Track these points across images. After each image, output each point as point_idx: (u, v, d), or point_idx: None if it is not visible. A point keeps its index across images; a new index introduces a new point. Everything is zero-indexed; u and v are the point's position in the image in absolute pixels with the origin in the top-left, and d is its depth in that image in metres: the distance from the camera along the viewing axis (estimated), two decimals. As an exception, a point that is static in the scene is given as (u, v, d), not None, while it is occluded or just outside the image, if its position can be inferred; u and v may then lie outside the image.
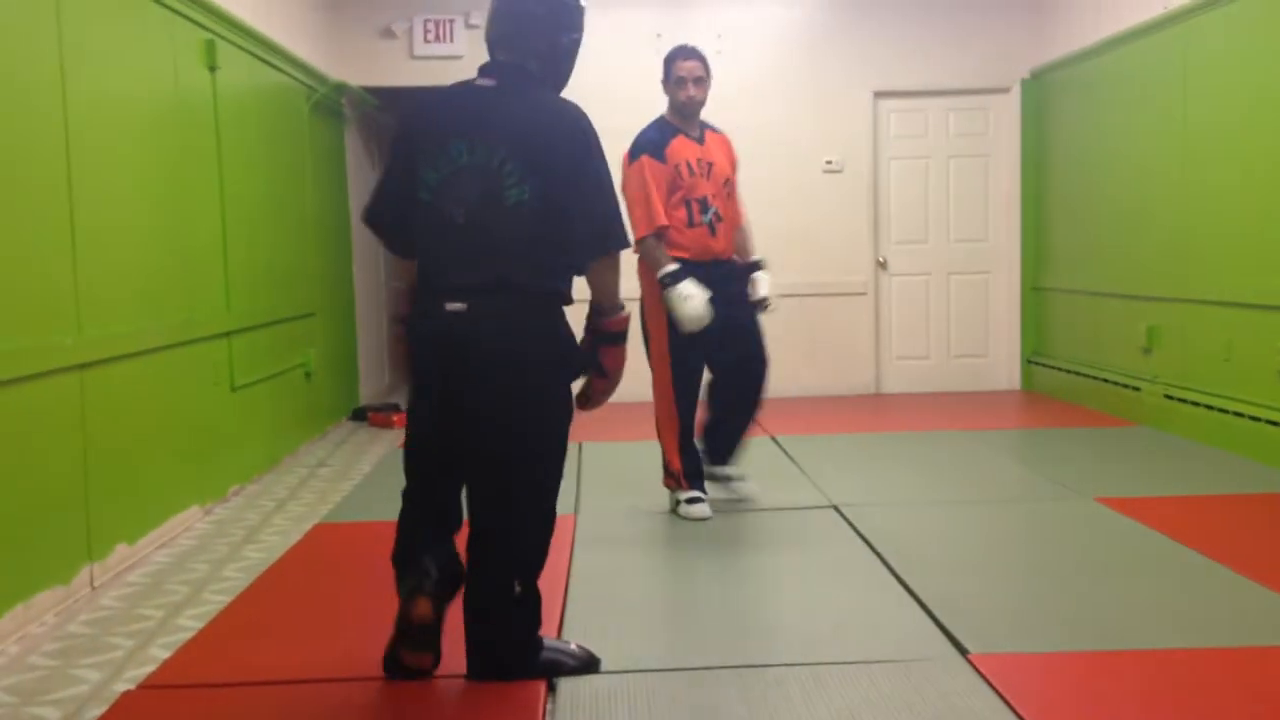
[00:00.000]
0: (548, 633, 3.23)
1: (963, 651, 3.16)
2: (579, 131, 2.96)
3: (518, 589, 2.97)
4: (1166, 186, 6.53)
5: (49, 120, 3.89)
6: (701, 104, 4.70)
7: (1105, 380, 7.29)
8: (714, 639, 3.38)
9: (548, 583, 3.76)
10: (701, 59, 4.68)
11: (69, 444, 3.93)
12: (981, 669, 3.02)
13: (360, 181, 8.55)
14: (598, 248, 2.95)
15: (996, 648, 3.18)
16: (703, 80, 4.66)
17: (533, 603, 3.03)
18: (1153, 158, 6.70)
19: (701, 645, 3.32)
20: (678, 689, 3.00)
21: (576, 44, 3.13)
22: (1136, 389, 6.86)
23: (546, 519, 3.03)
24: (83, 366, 4.00)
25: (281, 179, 6.57)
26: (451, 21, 8.21)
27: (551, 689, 3.01)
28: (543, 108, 2.98)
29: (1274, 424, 5.47)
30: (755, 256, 4.89)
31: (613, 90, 8.25)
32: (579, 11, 3.11)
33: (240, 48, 5.85)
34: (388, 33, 8.22)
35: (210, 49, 5.39)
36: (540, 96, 3.01)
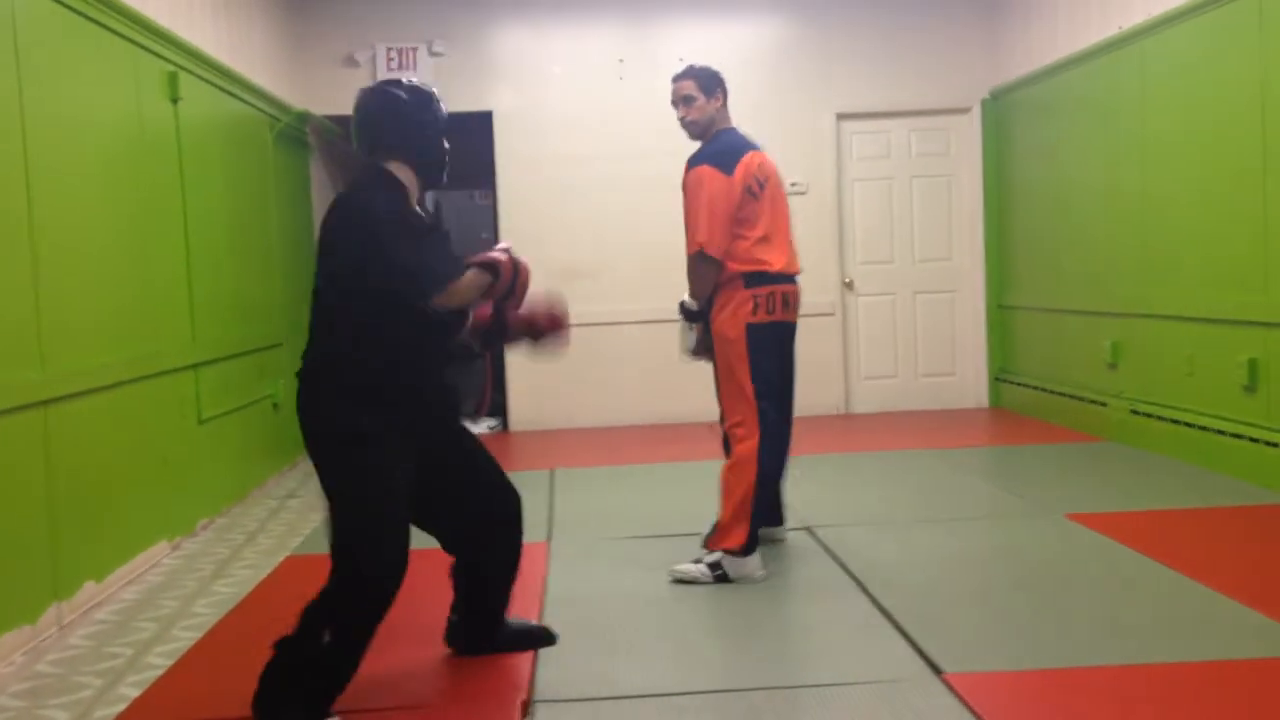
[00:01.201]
0: (523, 661, 3.21)
1: (937, 671, 3.16)
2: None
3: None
4: (1127, 203, 6.61)
5: (8, 152, 3.85)
6: (695, 124, 4.34)
7: (1072, 396, 7.35)
8: (688, 664, 3.37)
9: (523, 607, 3.76)
10: (693, 77, 4.37)
11: (33, 481, 3.88)
12: (957, 688, 3.02)
13: (324, 209, 8.52)
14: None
15: (971, 666, 3.19)
16: (691, 99, 4.34)
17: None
18: (1112, 174, 6.78)
19: (677, 670, 3.31)
20: (655, 716, 2.98)
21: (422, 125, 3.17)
22: (1103, 404, 6.92)
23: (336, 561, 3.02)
24: (46, 402, 3.95)
25: (246, 209, 6.54)
26: (414, 50, 8.22)
27: (527, 713, 2.99)
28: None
29: (1238, 437, 5.53)
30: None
31: (575, 115, 8.31)
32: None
33: (203, 79, 5.83)
34: (350, 61, 8.21)
35: (173, 81, 5.37)
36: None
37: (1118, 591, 3.89)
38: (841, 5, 8.43)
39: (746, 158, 4.22)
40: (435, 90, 3.21)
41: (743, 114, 8.27)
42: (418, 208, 3.17)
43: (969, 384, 8.73)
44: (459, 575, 3.39)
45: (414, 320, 3.01)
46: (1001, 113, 8.41)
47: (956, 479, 5.98)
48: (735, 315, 4.18)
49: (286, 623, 3.73)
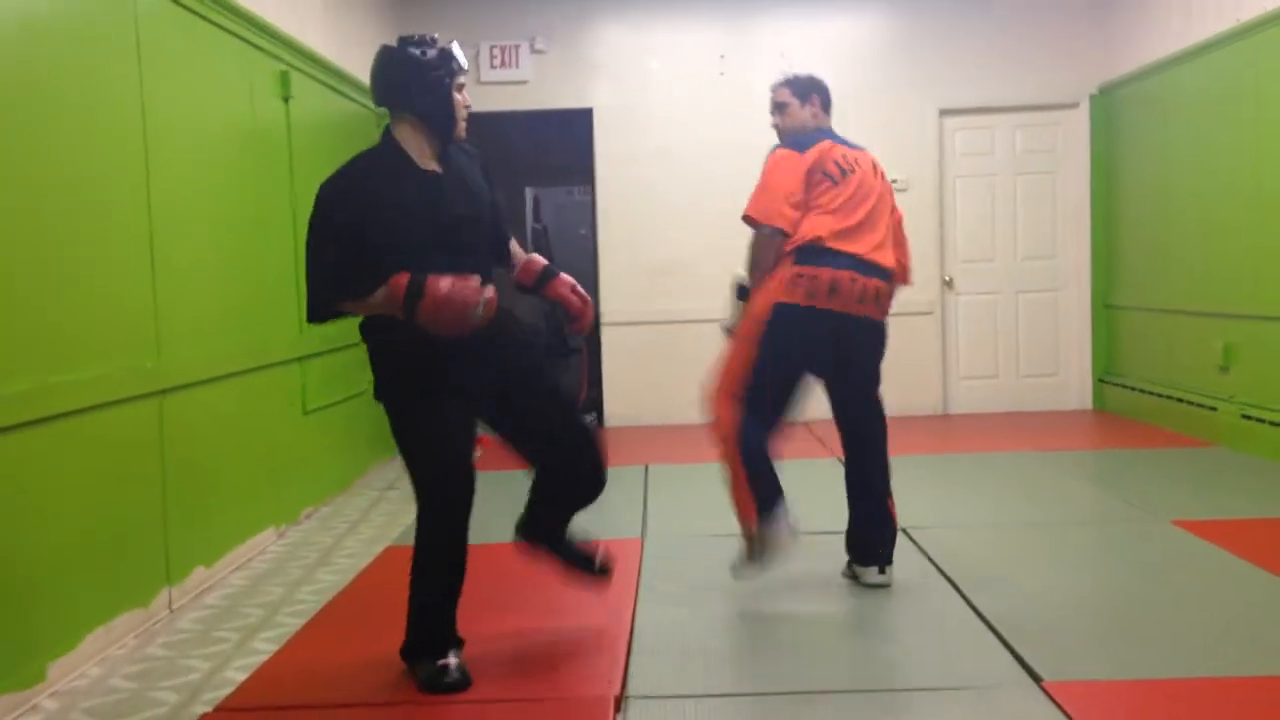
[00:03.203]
0: (616, 655, 3.24)
1: (1036, 678, 3.11)
2: None
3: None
4: (1241, 200, 6.42)
5: (129, 147, 4.00)
6: (788, 131, 4.18)
7: (1180, 400, 7.16)
8: (780, 664, 3.36)
9: (617, 602, 3.79)
10: (788, 85, 4.24)
11: (149, 468, 4.03)
12: (1056, 696, 2.97)
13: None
14: None
15: (1071, 674, 3.13)
16: (784, 105, 4.21)
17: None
18: (1226, 172, 6.59)
19: (771, 670, 3.31)
20: (748, 715, 2.99)
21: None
22: (1213, 408, 6.73)
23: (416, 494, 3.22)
24: (162, 392, 4.09)
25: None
26: (517, 47, 8.31)
27: (620, 710, 3.02)
28: None
29: (1357, 444, 5.34)
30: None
31: (674, 112, 8.33)
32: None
33: (313, 78, 5.97)
34: (454, 59, 8.32)
35: (284, 80, 5.51)
36: None
37: (1225, 601, 3.78)
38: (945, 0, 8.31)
39: (826, 143, 3.99)
40: (449, 44, 3.19)
41: (843, 110, 8.20)
42: (434, 163, 3.17)
43: (1072, 385, 8.55)
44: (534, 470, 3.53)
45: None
46: (1111, 108, 8.22)
47: (1059, 482, 5.86)
48: (769, 289, 3.86)
49: (387, 611, 3.82)
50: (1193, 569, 4.18)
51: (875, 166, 4.09)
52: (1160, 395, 7.45)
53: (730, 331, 4.05)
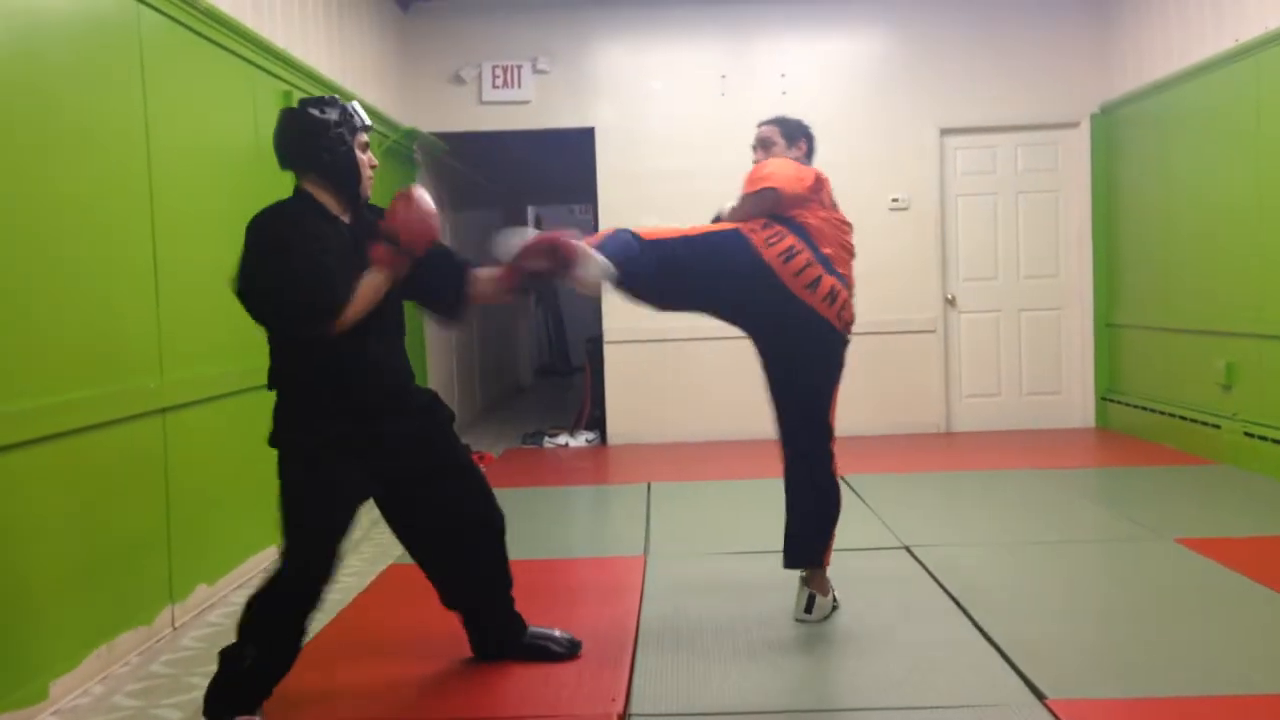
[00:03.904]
0: (619, 672, 3.24)
1: (1040, 696, 3.11)
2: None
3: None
4: (1242, 219, 6.43)
5: (134, 170, 4.02)
6: None
7: (1183, 418, 7.16)
8: (784, 681, 3.36)
9: (620, 620, 3.79)
10: (777, 124, 4.22)
11: (152, 487, 4.03)
12: (1060, 715, 2.96)
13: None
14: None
15: (1075, 693, 3.13)
16: (771, 144, 4.15)
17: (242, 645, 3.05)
18: (1227, 191, 6.61)
19: (772, 687, 3.31)
20: (750, 732, 2.98)
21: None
22: (1216, 426, 6.73)
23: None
24: (164, 410, 4.10)
25: (354, 224, 6.70)
26: (519, 67, 8.35)
27: (624, 731, 3.01)
28: None
29: (1360, 462, 5.33)
30: None
31: (676, 131, 8.36)
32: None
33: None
34: (457, 79, 8.38)
35: (288, 99, 5.53)
36: None
37: (1228, 619, 3.77)
38: (946, 19, 8.36)
39: (825, 179, 3.96)
40: (350, 103, 3.17)
41: (845, 130, 8.37)
42: (342, 221, 3.14)
43: (1075, 403, 8.55)
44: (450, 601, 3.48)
45: (332, 339, 3.00)
46: (1112, 127, 8.25)
47: (1062, 500, 5.86)
48: (745, 223, 3.79)
49: (390, 629, 3.82)
50: (1196, 587, 4.17)
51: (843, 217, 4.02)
52: (1163, 413, 7.45)
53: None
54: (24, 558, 3.30)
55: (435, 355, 8.67)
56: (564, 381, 14.48)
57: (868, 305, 8.30)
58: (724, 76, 8.42)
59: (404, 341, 3.33)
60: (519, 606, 3.55)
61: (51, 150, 3.53)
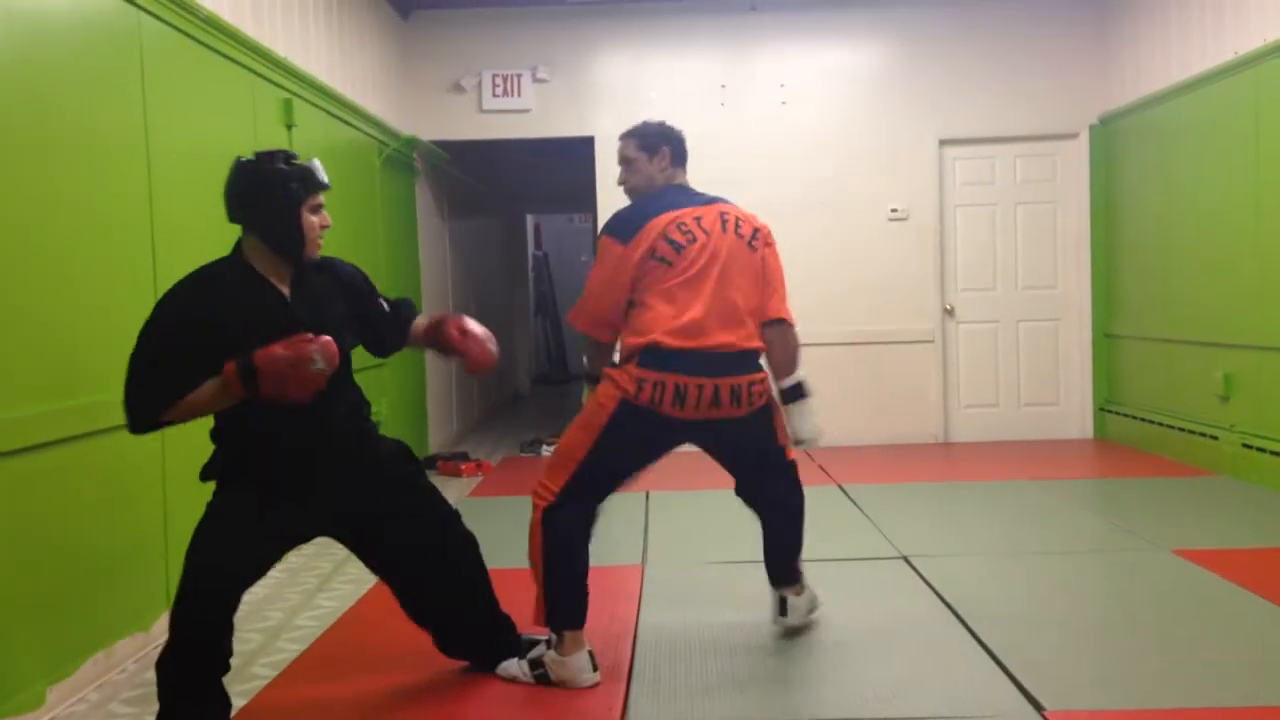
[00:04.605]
0: (617, 683, 3.23)
1: (1038, 708, 3.10)
2: None
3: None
4: (1241, 231, 6.44)
5: (134, 176, 4.03)
6: (633, 189, 3.82)
7: (1181, 429, 7.16)
8: (784, 692, 3.35)
9: (617, 631, 3.79)
10: (635, 136, 3.87)
11: (150, 493, 4.03)
12: (1058, 726, 2.96)
13: (430, 233, 8.70)
14: None
15: (1073, 704, 3.13)
16: (630, 160, 3.82)
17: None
18: (1226, 201, 6.62)
19: (771, 698, 3.30)
20: (748, 743, 2.97)
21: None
22: (1214, 438, 6.73)
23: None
24: (163, 417, 4.09)
25: (354, 232, 6.70)
26: (519, 76, 8.36)
27: (621, 741, 3.01)
28: None
29: (1358, 474, 5.33)
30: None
31: (678, 141, 8.36)
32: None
33: (316, 105, 6.01)
34: (457, 88, 8.39)
35: (288, 107, 5.54)
36: None
37: (1226, 631, 3.77)
38: (945, 30, 8.38)
39: (658, 219, 3.53)
40: (309, 162, 3.04)
41: (844, 140, 8.39)
42: (284, 284, 3.04)
43: (1073, 414, 8.55)
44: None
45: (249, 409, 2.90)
46: (1110, 139, 8.26)
47: (1060, 511, 5.86)
48: (618, 382, 3.47)
49: (385, 639, 3.81)
50: (1194, 598, 4.17)
51: (725, 219, 3.63)
52: (1161, 424, 7.46)
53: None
54: (23, 564, 3.29)
55: (434, 363, 8.67)
56: (562, 390, 14.48)
57: (867, 315, 8.41)
58: (724, 86, 8.44)
59: (351, 386, 3.19)
60: (517, 616, 3.54)
61: (52, 156, 3.54)
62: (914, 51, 8.42)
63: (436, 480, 7.47)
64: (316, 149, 6.03)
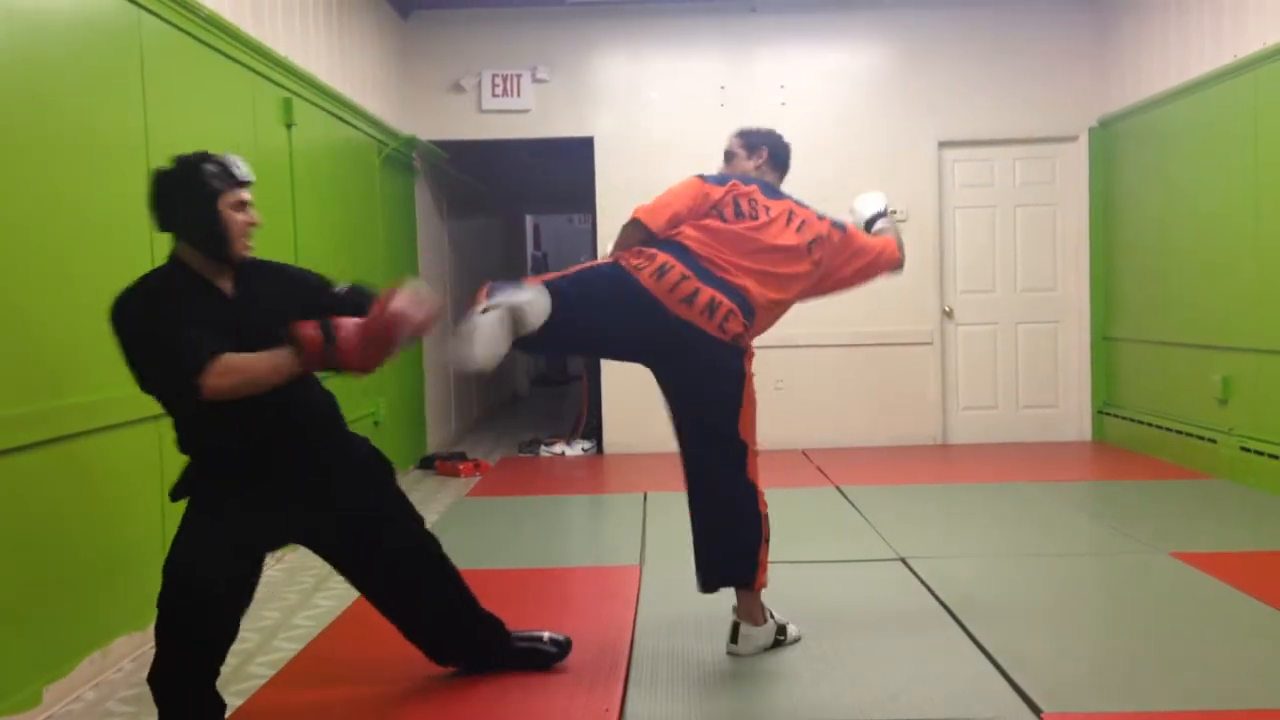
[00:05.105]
0: (614, 684, 3.23)
1: (1036, 710, 3.10)
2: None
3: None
4: (1240, 234, 6.45)
5: (134, 175, 4.01)
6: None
7: (1179, 432, 7.17)
8: (781, 694, 3.35)
9: (616, 632, 3.79)
10: (740, 135, 4.12)
11: (147, 492, 4.02)
12: (1055, 728, 2.96)
13: (429, 233, 8.70)
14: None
15: (1071, 707, 3.13)
16: (730, 155, 4.09)
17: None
18: (1225, 205, 6.62)
19: (769, 700, 3.30)
20: (745, 744, 2.97)
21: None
22: (1212, 441, 6.74)
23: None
24: (159, 416, 4.08)
25: (353, 231, 6.70)
26: (519, 76, 8.36)
27: (618, 742, 3.01)
28: None
29: (1356, 478, 5.34)
30: None
31: (675, 142, 8.37)
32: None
33: (315, 105, 6.01)
34: (457, 88, 8.39)
35: (288, 106, 5.54)
36: None
37: (1224, 634, 3.77)
38: (945, 32, 8.38)
39: (740, 186, 3.77)
40: (223, 157, 2.99)
41: (843, 141, 8.39)
42: (227, 283, 3.00)
43: (1071, 416, 8.56)
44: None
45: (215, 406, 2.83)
46: (1110, 141, 8.27)
47: (1058, 513, 5.86)
48: (634, 254, 3.64)
49: (382, 638, 3.81)
50: (1191, 601, 4.17)
51: (791, 215, 3.79)
52: (1159, 427, 7.46)
53: None
54: (19, 563, 3.29)
55: (432, 363, 8.67)
56: (561, 390, 14.48)
57: (866, 317, 8.41)
58: (723, 87, 8.44)
59: (320, 388, 3.18)
60: (515, 616, 3.54)
61: (51, 155, 3.53)
62: (914, 54, 8.42)
63: (434, 480, 7.47)
64: (316, 148, 6.04)
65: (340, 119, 6.51)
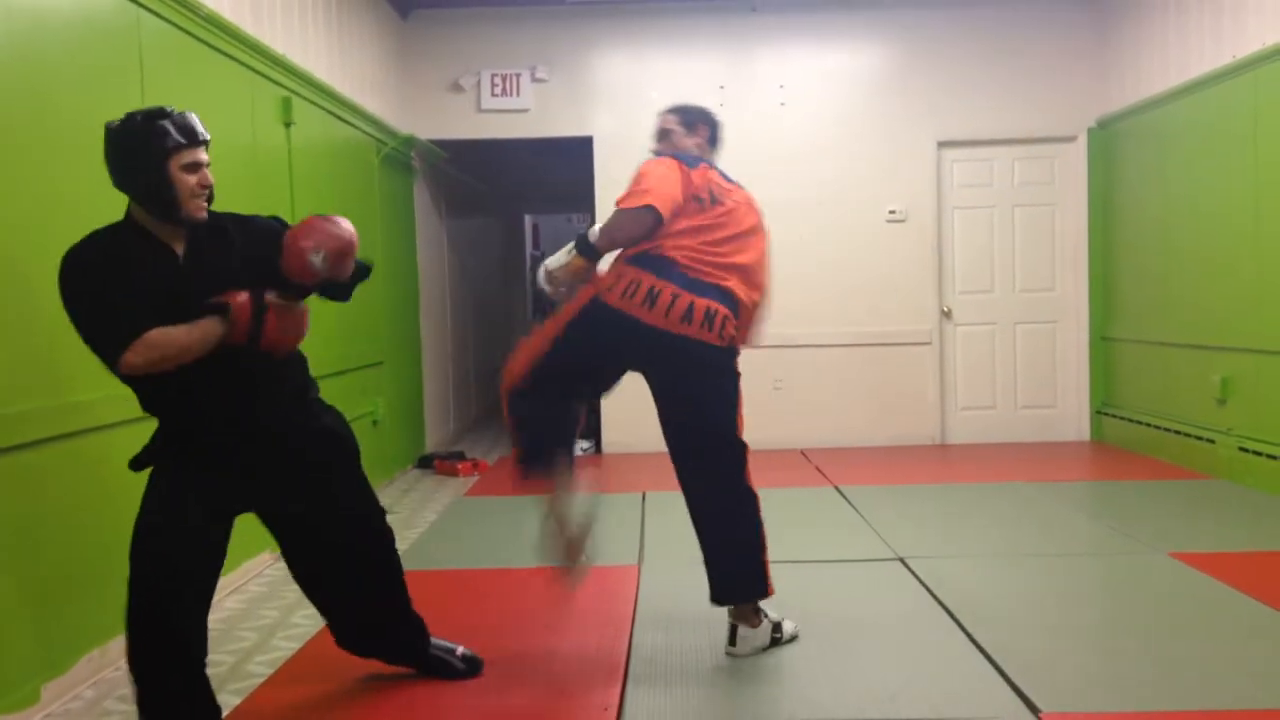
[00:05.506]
0: (612, 683, 3.23)
1: (1034, 710, 3.11)
2: None
3: None
4: (1239, 235, 6.45)
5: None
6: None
7: (1178, 432, 7.17)
8: (780, 693, 3.35)
9: (613, 630, 3.78)
10: (676, 113, 4.01)
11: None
12: (1053, 728, 2.96)
13: (427, 232, 8.70)
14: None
15: (1070, 707, 3.13)
16: (667, 133, 3.97)
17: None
18: (1224, 205, 6.63)
19: (767, 699, 3.30)
20: (744, 743, 2.97)
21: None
22: (1210, 441, 6.74)
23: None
24: (160, 415, 4.08)
25: (352, 230, 6.69)
26: (518, 76, 8.36)
27: (617, 741, 3.00)
28: None
29: (1354, 478, 5.34)
30: None
31: (677, 141, 8.36)
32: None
33: (314, 104, 6.01)
34: (456, 87, 8.39)
35: (286, 105, 5.54)
36: None
37: (1222, 634, 3.77)
38: (945, 32, 8.38)
39: (706, 169, 3.71)
40: (176, 113, 2.87)
41: (843, 141, 8.39)
42: (179, 243, 2.91)
43: (1070, 417, 8.56)
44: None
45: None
46: (1109, 141, 8.27)
47: (1056, 513, 5.86)
48: (596, 281, 3.57)
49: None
50: (1190, 601, 4.17)
51: (751, 204, 3.78)
52: (1158, 427, 7.46)
53: (548, 274, 3.67)
54: (18, 561, 3.29)
55: (431, 362, 8.67)
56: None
57: (865, 317, 8.41)
58: (723, 87, 8.44)
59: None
60: (514, 616, 3.53)
61: (50, 154, 3.53)
62: (913, 53, 8.42)
63: (433, 480, 7.46)
64: (315, 147, 6.03)
65: (339, 118, 6.51)
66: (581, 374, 3.63)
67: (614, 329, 3.49)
